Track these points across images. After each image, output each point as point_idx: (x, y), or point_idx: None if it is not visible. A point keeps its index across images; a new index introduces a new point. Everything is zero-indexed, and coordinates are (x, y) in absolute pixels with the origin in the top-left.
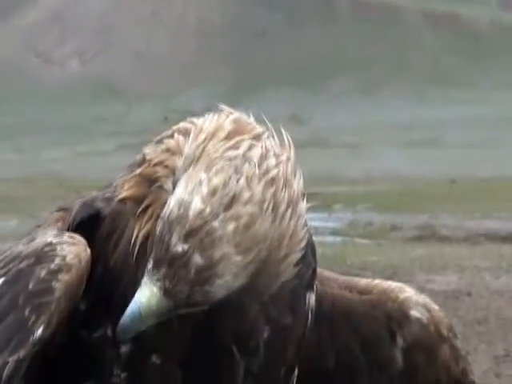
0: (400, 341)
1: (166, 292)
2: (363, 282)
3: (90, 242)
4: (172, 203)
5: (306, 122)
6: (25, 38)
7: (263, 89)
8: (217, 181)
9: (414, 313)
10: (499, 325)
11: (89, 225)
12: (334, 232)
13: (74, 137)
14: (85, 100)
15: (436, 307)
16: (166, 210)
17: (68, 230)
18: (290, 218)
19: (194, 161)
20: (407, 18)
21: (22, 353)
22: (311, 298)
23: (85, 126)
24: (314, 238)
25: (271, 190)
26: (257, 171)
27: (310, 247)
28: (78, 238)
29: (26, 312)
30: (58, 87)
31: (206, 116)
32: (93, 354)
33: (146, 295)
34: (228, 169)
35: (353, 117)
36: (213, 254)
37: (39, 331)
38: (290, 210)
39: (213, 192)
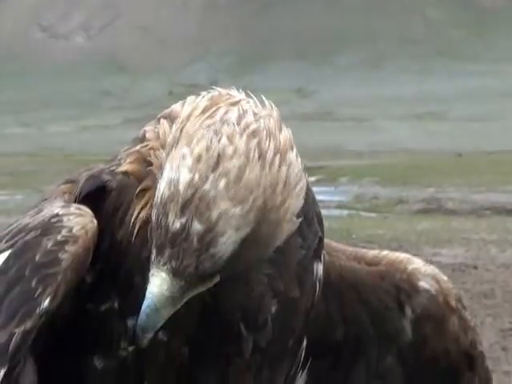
0: (409, 312)
1: (175, 272)
2: (371, 253)
3: (97, 215)
4: (162, 186)
5: (311, 95)
6: (30, 12)
7: (268, 62)
8: (199, 148)
9: (423, 284)
10: (506, 298)
11: (95, 197)
12: (340, 205)
13: (79, 111)
14: (90, 74)
15: (445, 278)
16: (158, 195)
17: (74, 202)
18: (280, 165)
19: (174, 144)
20: None
21: (28, 324)
22: (319, 268)
23: (90, 100)
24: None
25: (254, 141)
26: (237, 128)
27: (317, 216)
28: (85, 209)
29: (33, 283)
30: (64, 62)
31: (186, 99)
32: (100, 328)
33: (156, 284)
34: (208, 134)
35: (358, 90)
36: (210, 216)
37: (46, 302)
38: (278, 157)
39: (197, 159)
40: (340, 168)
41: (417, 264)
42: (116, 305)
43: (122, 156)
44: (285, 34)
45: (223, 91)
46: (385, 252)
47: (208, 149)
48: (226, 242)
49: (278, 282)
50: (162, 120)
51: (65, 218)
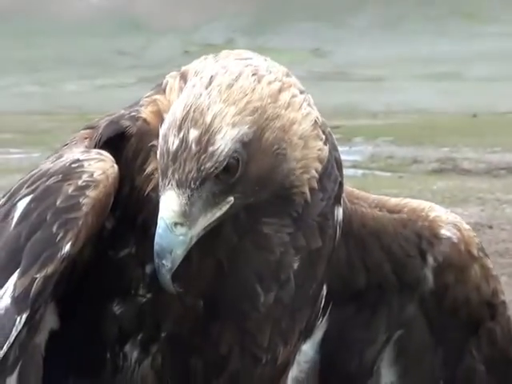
0: (430, 260)
1: (179, 183)
2: (393, 200)
3: (117, 160)
4: (162, 133)
5: (327, 55)
6: None
7: (284, 22)
8: (193, 81)
9: (445, 232)
10: None
11: (115, 143)
12: (355, 165)
13: (94, 70)
14: (105, 33)
15: (466, 226)
16: (160, 144)
17: (95, 147)
18: (281, 90)
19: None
20: None
21: (50, 269)
22: (339, 213)
23: (105, 60)
24: None
25: (244, 63)
26: (227, 57)
27: (336, 162)
28: (106, 154)
29: (54, 228)
30: (79, 21)
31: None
32: (119, 273)
33: (163, 205)
34: (199, 71)
35: (374, 50)
36: (205, 119)
37: (67, 247)
38: (278, 83)
39: (192, 87)
40: (355, 128)
41: (439, 212)
42: (134, 251)
43: (143, 103)
44: None
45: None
46: (407, 199)
47: (201, 77)
48: (224, 138)
49: (300, 239)
50: (175, 74)
51: (85, 163)
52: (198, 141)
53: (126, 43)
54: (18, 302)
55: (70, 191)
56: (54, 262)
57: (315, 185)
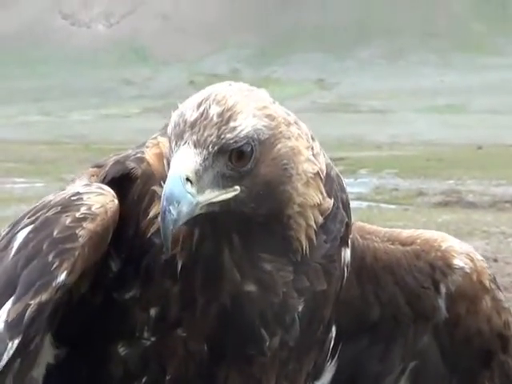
0: (443, 290)
1: (196, 143)
2: (405, 232)
3: (123, 201)
4: (176, 112)
5: (332, 86)
6: (52, 0)
7: (289, 53)
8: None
9: (458, 262)
10: None
11: (121, 183)
12: (360, 197)
13: (100, 99)
14: (111, 63)
15: (479, 257)
16: (173, 120)
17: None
18: (285, 112)
19: None
20: None
21: (44, 296)
22: (346, 254)
23: (111, 89)
24: None
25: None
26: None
27: (342, 202)
28: (107, 188)
29: (50, 257)
30: (85, 49)
31: None
32: (124, 316)
33: (179, 159)
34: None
35: (379, 82)
36: (227, 101)
37: (62, 276)
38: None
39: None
40: (360, 159)
41: (452, 242)
42: (138, 294)
43: (149, 144)
44: (307, 25)
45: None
46: (419, 231)
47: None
48: (246, 120)
49: (303, 281)
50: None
51: (85, 196)
52: (220, 114)
53: (132, 73)
54: (11, 327)
55: (67, 222)
56: (48, 289)
57: (313, 236)
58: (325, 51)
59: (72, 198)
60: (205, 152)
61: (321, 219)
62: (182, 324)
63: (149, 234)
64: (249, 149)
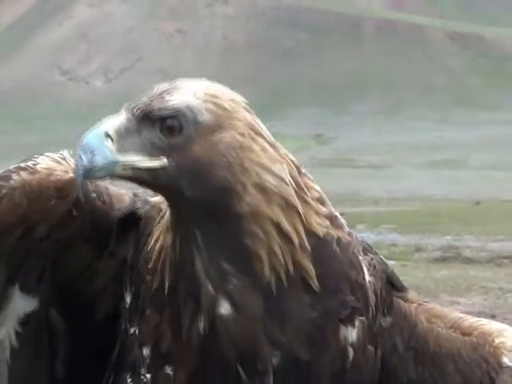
0: None
1: (127, 108)
2: (468, 321)
3: (132, 236)
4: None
5: (329, 141)
6: (50, 55)
7: (287, 107)
8: None
9: (506, 360)
10: None
11: (129, 219)
12: None
13: None
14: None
15: None
16: None
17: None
18: (260, 128)
19: None
20: (432, 39)
21: None
22: (349, 334)
23: None
24: None
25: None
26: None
27: (351, 285)
28: (69, 161)
29: None
30: (83, 105)
31: None
32: (129, 350)
33: (105, 119)
34: None
35: (377, 137)
36: (180, 83)
37: None
38: (264, 131)
39: None
40: (358, 214)
41: (505, 337)
42: (137, 331)
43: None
44: (304, 80)
45: None
46: (480, 321)
47: None
48: (180, 97)
49: (277, 333)
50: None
51: (41, 157)
52: (163, 90)
53: None
54: None
55: (11, 167)
56: None
57: (280, 270)
58: (323, 106)
59: (35, 156)
60: (129, 115)
61: (298, 256)
62: (170, 360)
63: (142, 272)
64: (176, 122)
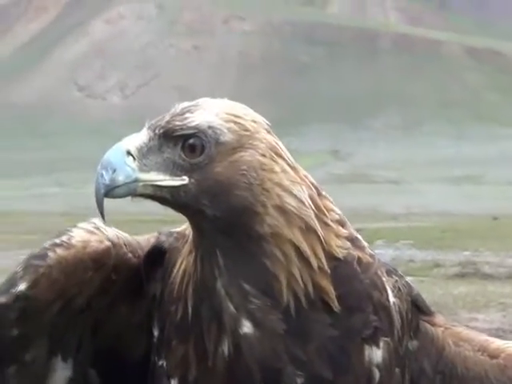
0: None
1: (149, 125)
2: (495, 344)
3: (159, 273)
4: None
5: (346, 157)
6: (67, 71)
7: (304, 123)
8: None
9: None
10: None
11: (155, 255)
12: None
13: None
14: (126, 134)
15: None
16: None
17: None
18: (283, 153)
19: None
20: (449, 54)
21: (2, 299)
22: (373, 355)
23: None
24: None
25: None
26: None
27: (374, 304)
28: (103, 229)
29: (19, 268)
30: (100, 121)
31: None
32: (158, 381)
33: (127, 137)
34: None
35: (394, 152)
36: (202, 103)
37: (21, 286)
38: (285, 153)
39: None
40: (376, 230)
41: None
42: (165, 364)
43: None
44: (321, 95)
45: None
46: (508, 344)
47: None
48: (202, 115)
49: (298, 352)
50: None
51: (74, 230)
52: (184, 107)
53: None
54: None
55: (46, 244)
56: (6, 294)
57: (300, 293)
58: (339, 121)
59: (67, 229)
60: (151, 133)
61: (318, 278)
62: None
63: (167, 305)
64: (199, 142)
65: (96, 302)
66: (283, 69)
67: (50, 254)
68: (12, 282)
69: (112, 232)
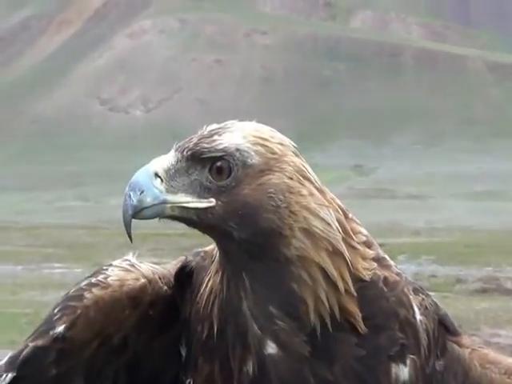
0: None
1: (177, 147)
2: None
3: (187, 294)
4: None
5: (369, 172)
6: (90, 85)
7: (326, 138)
8: None
9: None
10: None
11: (184, 276)
12: None
13: None
14: (149, 148)
15: None
16: None
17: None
18: (310, 174)
19: None
20: (472, 69)
21: (40, 342)
22: (400, 372)
23: None
24: None
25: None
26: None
27: (400, 322)
28: (138, 267)
29: (56, 310)
30: (123, 135)
31: None
32: None
33: (155, 159)
34: None
35: (416, 168)
36: (229, 126)
37: (60, 328)
38: (312, 176)
39: None
40: (398, 246)
41: None
42: (191, 382)
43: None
44: (343, 110)
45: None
46: None
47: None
48: (231, 138)
49: (324, 372)
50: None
51: (110, 268)
52: (212, 130)
53: None
54: (8, 362)
55: (82, 284)
56: (44, 337)
57: (326, 317)
58: (362, 137)
59: (103, 268)
60: (179, 155)
61: (344, 301)
62: None
63: (193, 325)
64: (226, 164)
65: (133, 338)
66: (305, 83)
67: (87, 294)
68: (49, 323)
69: (146, 267)
